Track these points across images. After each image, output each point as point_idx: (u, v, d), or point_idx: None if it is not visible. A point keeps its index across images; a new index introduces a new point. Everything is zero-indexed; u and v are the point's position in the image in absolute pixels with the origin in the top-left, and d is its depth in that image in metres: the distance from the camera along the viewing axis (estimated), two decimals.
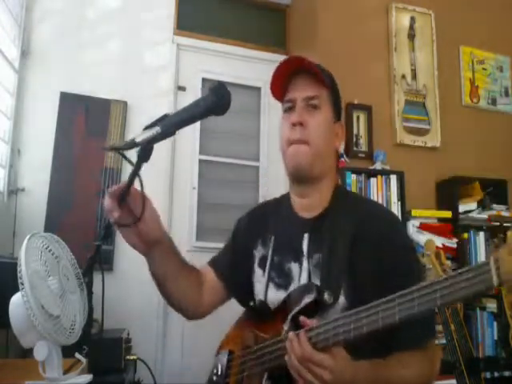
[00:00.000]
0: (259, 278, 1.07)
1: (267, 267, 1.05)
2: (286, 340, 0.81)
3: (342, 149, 2.46)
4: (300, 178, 1.02)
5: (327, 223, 0.99)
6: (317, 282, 0.94)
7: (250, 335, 1.01)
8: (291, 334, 0.79)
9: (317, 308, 0.89)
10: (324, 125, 1.01)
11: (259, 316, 1.03)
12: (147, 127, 0.78)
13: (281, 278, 1.02)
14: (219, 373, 1.04)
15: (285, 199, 1.13)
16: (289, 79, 1.06)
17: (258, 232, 1.12)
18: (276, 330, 0.92)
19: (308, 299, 0.89)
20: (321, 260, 0.96)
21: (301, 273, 0.98)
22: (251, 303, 1.09)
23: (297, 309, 0.90)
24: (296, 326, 0.86)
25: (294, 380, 0.81)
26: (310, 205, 1.04)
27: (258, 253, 1.10)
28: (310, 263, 0.98)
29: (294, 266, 1.00)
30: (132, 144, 0.79)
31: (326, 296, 0.88)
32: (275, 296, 1.01)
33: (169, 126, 0.79)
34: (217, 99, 0.76)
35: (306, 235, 1.01)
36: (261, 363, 0.91)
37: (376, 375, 0.82)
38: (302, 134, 0.98)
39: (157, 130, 0.77)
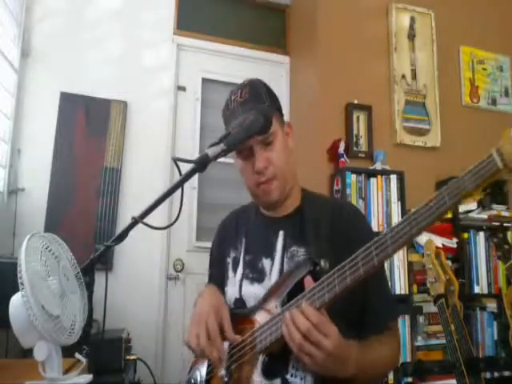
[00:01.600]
0: (231, 281, 1.09)
1: (240, 267, 1.08)
2: (283, 314, 0.83)
3: (342, 149, 2.46)
4: (273, 205, 1.06)
5: (305, 219, 1.03)
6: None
7: (238, 330, 0.99)
8: (290, 311, 0.80)
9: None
10: (282, 150, 1.02)
11: (236, 316, 1.01)
12: (213, 144, 0.89)
13: (254, 273, 1.04)
14: (198, 378, 1.03)
15: (251, 207, 1.18)
16: None
17: (229, 241, 1.15)
18: (264, 315, 0.93)
19: (303, 272, 0.89)
20: (303, 252, 0.99)
21: (272, 268, 1.01)
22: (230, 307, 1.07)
23: (294, 282, 0.90)
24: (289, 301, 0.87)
25: (289, 356, 0.85)
26: (281, 209, 1.08)
27: (231, 258, 1.12)
28: (285, 257, 1.00)
29: (266, 263, 1.03)
30: (205, 158, 0.88)
31: (322, 263, 0.89)
32: (250, 289, 1.03)
33: (231, 143, 0.90)
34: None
35: (281, 232, 1.04)
36: (251, 348, 0.92)
37: (364, 355, 0.86)
38: (268, 174, 1.00)
39: (222, 147, 0.89)
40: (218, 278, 1.15)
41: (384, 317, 0.99)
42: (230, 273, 1.10)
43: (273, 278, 1.00)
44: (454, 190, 0.68)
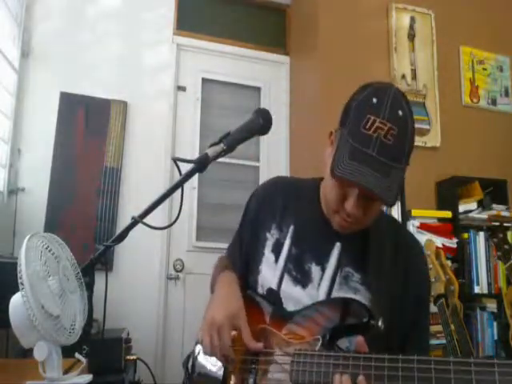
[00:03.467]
0: (269, 264, 0.99)
1: (283, 256, 0.98)
2: (325, 358, 0.76)
3: None
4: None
5: (369, 242, 0.94)
6: (340, 295, 0.91)
7: (262, 330, 0.92)
8: (346, 377, 0.71)
9: (356, 330, 0.82)
10: (378, 212, 0.92)
11: (264, 307, 0.95)
12: (213, 144, 0.88)
13: (299, 273, 0.95)
14: (216, 363, 0.95)
15: (311, 189, 1.03)
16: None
17: (274, 213, 1.03)
18: (300, 335, 0.86)
19: (356, 318, 0.82)
20: (357, 278, 0.91)
21: (322, 278, 0.93)
22: (259, 290, 1.00)
23: (338, 321, 0.83)
24: (330, 340, 0.81)
25: None
26: None
27: (272, 236, 1.01)
28: (338, 274, 0.92)
29: (315, 269, 0.94)
30: (205, 158, 0.86)
31: (380, 322, 0.79)
32: (292, 290, 0.94)
33: (231, 143, 0.89)
34: (264, 122, 0.91)
35: (337, 244, 0.95)
36: (283, 370, 0.83)
37: None
38: (354, 221, 0.89)
39: (222, 146, 0.88)
40: (250, 244, 1.06)
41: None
42: (269, 252, 1.00)
43: (320, 291, 0.92)
44: None
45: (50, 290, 0.80)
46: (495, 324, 2.39)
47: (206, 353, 0.91)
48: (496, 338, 2.37)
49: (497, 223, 2.31)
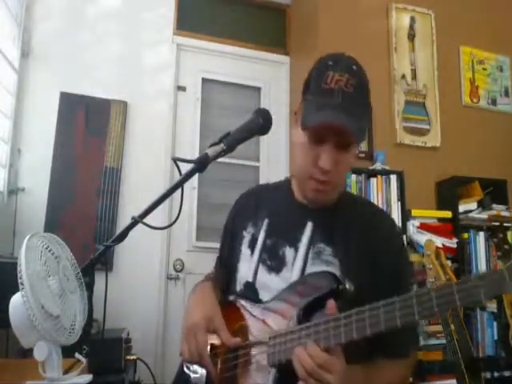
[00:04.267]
0: (246, 258, 1.03)
1: (258, 248, 1.01)
2: (298, 333, 0.80)
3: None
4: (311, 201, 1.00)
5: (338, 218, 0.97)
6: (313, 270, 0.92)
7: (240, 327, 0.94)
8: (298, 348, 0.77)
9: (330, 298, 0.84)
10: (350, 165, 0.96)
11: (244, 306, 0.96)
12: (213, 144, 0.88)
13: (273, 260, 0.98)
14: (198, 371, 0.97)
15: (284, 185, 1.10)
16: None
17: (249, 213, 1.09)
18: (277, 320, 0.88)
19: (325, 288, 0.84)
20: (329, 252, 0.94)
21: (295, 258, 0.96)
22: (237, 288, 1.02)
23: (312, 296, 0.85)
24: (305, 315, 0.84)
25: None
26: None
27: (248, 233, 1.06)
28: (311, 251, 0.95)
29: (289, 252, 0.97)
30: (205, 158, 0.86)
31: (348, 285, 0.85)
32: (266, 278, 0.97)
33: (231, 143, 0.88)
34: (263, 122, 0.91)
35: (309, 223, 0.98)
36: (261, 356, 0.86)
37: (367, 381, 0.84)
38: (330, 177, 0.91)
39: (222, 146, 0.88)
40: (228, 249, 1.10)
41: (405, 344, 0.93)
42: (245, 249, 1.04)
43: (294, 271, 0.94)
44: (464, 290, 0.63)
45: (50, 289, 0.80)
46: (495, 324, 2.39)
47: (185, 360, 0.92)
48: (496, 337, 2.38)
49: (497, 223, 2.31)
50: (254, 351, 0.89)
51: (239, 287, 1.02)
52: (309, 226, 0.98)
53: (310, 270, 0.93)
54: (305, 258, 0.95)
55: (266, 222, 1.04)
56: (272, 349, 0.84)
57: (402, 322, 0.68)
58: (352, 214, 0.99)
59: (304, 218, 0.99)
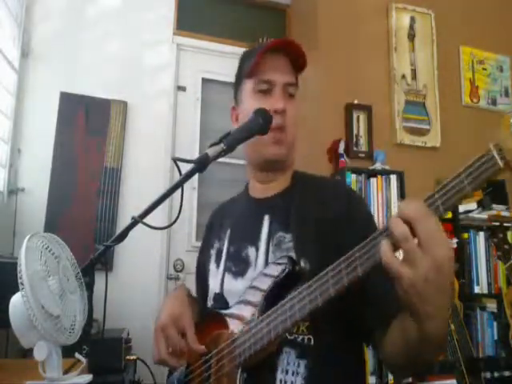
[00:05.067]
0: (213, 273, 1.02)
1: (223, 259, 1.00)
2: (261, 324, 0.77)
3: (342, 149, 2.46)
4: (272, 166, 1.00)
5: (292, 200, 0.96)
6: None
7: (212, 337, 0.91)
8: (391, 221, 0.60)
9: (290, 282, 0.82)
10: (297, 114, 1.00)
11: (217, 318, 0.94)
12: (213, 144, 0.88)
13: (238, 266, 0.96)
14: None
15: (242, 192, 1.13)
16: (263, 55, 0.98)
17: (215, 231, 1.09)
18: (238, 323, 0.86)
19: (280, 274, 0.83)
20: (289, 238, 0.91)
21: (257, 256, 0.94)
22: (208, 303, 1.01)
23: (271, 284, 0.83)
24: (268, 307, 0.80)
25: (271, 369, 0.81)
26: (270, 187, 1.01)
27: (214, 250, 1.06)
28: (271, 244, 0.92)
29: (251, 251, 0.95)
30: (205, 158, 0.85)
31: (302, 263, 0.83)
32: (233, 285, 0.95)
33: (231, 143, 0.88)
34: (263, 122, 0.91)
35: (266, 216, 0.97)
36: (229, 361, 0.84)
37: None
38: (283, 121, 0.95)
39: (222, 146, 0.87)
40: (202, 272, 1.09)
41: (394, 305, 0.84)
42: (212, 265, 1.04)
43: (258, 269, 0.92)
44: (448, 192, 0.60)
45: (50, 290, 0.80)
46: (495, 324, 2.39)
47: (156, 361, 0.91)
48: (496, 337, 2.38)
49: (497, 223, 2.31)
50: (223, 358, 0.86)
51: (210, 302, 1.01)
52: (266, 220, 0.97)
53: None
54: (266, 253, 0.93)
55: (228, 231, 1.04)
56: (237, 350, 0.82)
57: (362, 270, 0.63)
58: (305, 191, 0.98)
59: (260, 213, 0.98)
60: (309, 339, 0.83)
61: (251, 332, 0.80)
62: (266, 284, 0.85)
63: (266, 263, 0.91)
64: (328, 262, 0.73)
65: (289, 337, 0.83)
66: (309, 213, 0.92)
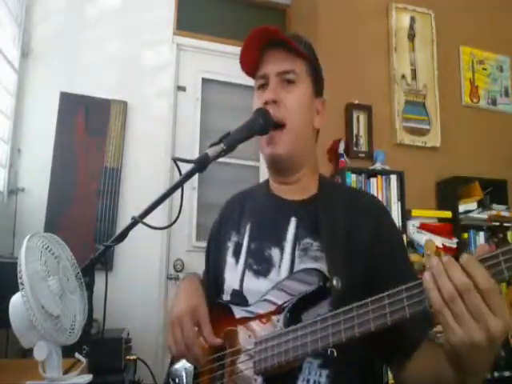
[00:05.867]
0: (231, 267, 0.98)
1: (243, 254, 0.96)
2: (286, 335, 0.75)
3: (342, 149, 2.46)
4: (279, 169, 0.97)
5: (321, 208, 0.92)
6: (301, 268, 0.88)
7: (227, 333, 0.89)
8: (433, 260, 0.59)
9: (319, 296, 0.81)
10: (302, 101, 0.95)
11: (231, 312, 0.91)
12: (213, 144, 0.87)
13: (260, 264, 0.93)
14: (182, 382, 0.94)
15: (262, 186, 1.07)
16: (261, 53, 0.98)
17: (232, 222, 1.04)
18: (262, 324, 0.83)
19: (311, 287, 0.81)
20: (316, 246, 0.88)
21: (282, 258, 0.90)
22: (224, 298, 0.97)
23: (298, 296, 0.81)
24: (292, 317, 0.79)
25: (292, 378, 0.78)
26: (294, 189, 0.97)
27: (232, 243, 1.01)
28: (297, 248, 0.90)
29: (275, 252, 0.92)
30: (205, 158, 0.84)
31: (335, 282, 0.79)
32: (254, 284, 0.91)
33: (231, 143, 0.87)
34: (263, 122, 0.90)
35: (293, 219, 0.93)
36: (245, 366, 0.82)
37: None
38: (279, 113, 0.91)
39: (222, 146, 0.86)
40: (215, 262, 1.05)
41: (418, 333, 0.80)
42: (230, 258, 0.99)
43: (282, 271, 0.89)
44: None
45: (50, 290, 0.80)
46: None
47: (172, 353, 0.88)
48: None
49: (497, 223, 2.31)
50: (239, 359, 0.84)
51: (226, 297, 0.97)
52: (293, 222, 0.93)
53: (298, 268, 0.88)
54: (292, 257, 0.90)
55: (248, 226, 0.99)
56: (258, 356, 0.80)
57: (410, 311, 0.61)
58: (335, 201, 0.94)
59: (287, 214, 0.94)
60: (332, 352, 0.80)
61: (275, 341, 0.77)
62: (296, 290, 0.83)
63: (292, 267, 0.89)
64: (358, 282, 0.78)
65: None
66: (338, 224, 0.89)
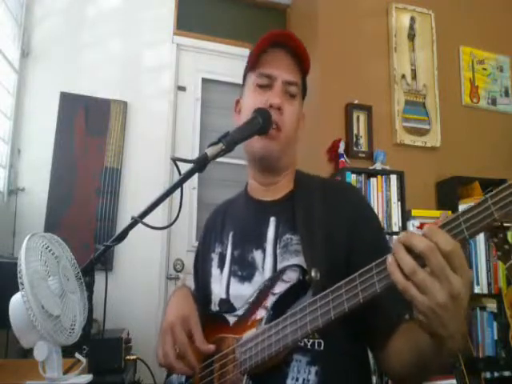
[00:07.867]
0: (216, 279, 0.99)
1: (227, 264, 0.98)
2: (269, 332, 0.76)
3: (342, 149, 2.46)
4: (267, 166, 0.98)
5: (297, 202, 0.94)
6: (283, 265, 0.88)
7: (216, 340, 0.90)
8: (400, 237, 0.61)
9: (300, 290, 0.81)
10: (297, 116, 0.98)
11: (220, 321, 0.92)
12: (212, 144, 0.87)
13: (244, 270, 0.94)
14: None
15: (241, 192, 1.10)
16: (266, 48, 0.97)
17: (215, 234, 1.06)
18: (247, 327, 0.84)
19: (291, 281, 0.82)
20: (296, 240, 0.89)
21: (264, 259, 0.91)
22: (213, 309, 0.99)
23: (277, 294, 0.82)
24: (276, 315, 0.79)
25: (282, 377, 0.79)
26: (273, 190, 1.00)
27: (216, 254, 1.02)
28: (278, 246, 0.91)
29: (257, 254, 0.93)
30: (205, 158, 0.84)
31: (313, 273, 0.79)
32: (239, 289, 0.93)
33: (230, 143, 0.87)
34: (263, 122, 0.90)
35: (272, 218, 0.95)
36: (234, 367, 0.83)
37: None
38: (279, 119, 0.93)
39: (221, 146, 0.86)
40: (202, 276, 1.06)
41: (398, 309, 0.81)
42: (215, 270, 1.00)
43: (266, 272, 0.90)
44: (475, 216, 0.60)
45: (50, 290, 0.80)
46: (495, 324, 2.39)
47: (161, 364, 0.90)
48: (496, 337, 2.37)
49: (497, 223, 2.30)
50: (227, 363, 0.85)
51: (215, 308, 0.98)
52: (272, 222, 0.95)
53: (281, 265, 0.89)
54: (273, 256, 0.91)
55: (231, 235, 1.01)
56: (243, 356, 0.81)
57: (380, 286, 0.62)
58: (311, 192, 0.96)
59: (266, 215, 0.96)
60: (319, 343, 0.82)
61: (258, 339, 0.79)
62: (277, 288, 0.84)
63: (275, 266, 0.90)
64: (337, 271, 0.76)
65: (299, 343, 0.81)
66: (316, 214, 0.91)
